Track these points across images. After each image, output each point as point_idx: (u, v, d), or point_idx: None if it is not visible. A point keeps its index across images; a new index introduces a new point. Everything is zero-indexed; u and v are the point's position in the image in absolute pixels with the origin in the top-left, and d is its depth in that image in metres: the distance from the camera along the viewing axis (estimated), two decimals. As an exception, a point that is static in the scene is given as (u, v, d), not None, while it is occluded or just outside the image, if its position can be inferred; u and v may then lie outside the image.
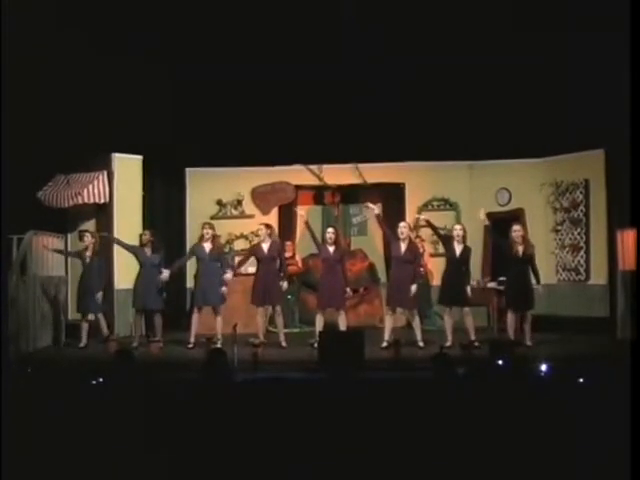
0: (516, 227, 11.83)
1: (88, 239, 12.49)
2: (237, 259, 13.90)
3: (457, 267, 11.81)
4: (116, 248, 13.05)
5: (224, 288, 12.11)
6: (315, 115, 13.67)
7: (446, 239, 12.23)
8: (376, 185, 15.31)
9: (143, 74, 12.93)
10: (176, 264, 12.54)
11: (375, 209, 12.46)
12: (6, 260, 11.71)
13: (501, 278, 12.50)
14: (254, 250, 12.51)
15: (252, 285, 12.23)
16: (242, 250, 14.31)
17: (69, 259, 13.52)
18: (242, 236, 15.01)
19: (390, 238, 12.18)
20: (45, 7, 11.69)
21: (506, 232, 11.80)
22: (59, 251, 13.18)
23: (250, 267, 13.28)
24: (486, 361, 7.57)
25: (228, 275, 12.10)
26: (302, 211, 13.31)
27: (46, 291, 12.78)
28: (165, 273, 12.08)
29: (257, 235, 12.56)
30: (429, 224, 12.67)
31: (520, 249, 11.62)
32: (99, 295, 12.32)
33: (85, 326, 12.39)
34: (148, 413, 5.78)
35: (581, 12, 11.70)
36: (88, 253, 12.43)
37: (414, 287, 11.75)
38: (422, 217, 13.37)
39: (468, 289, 11.80)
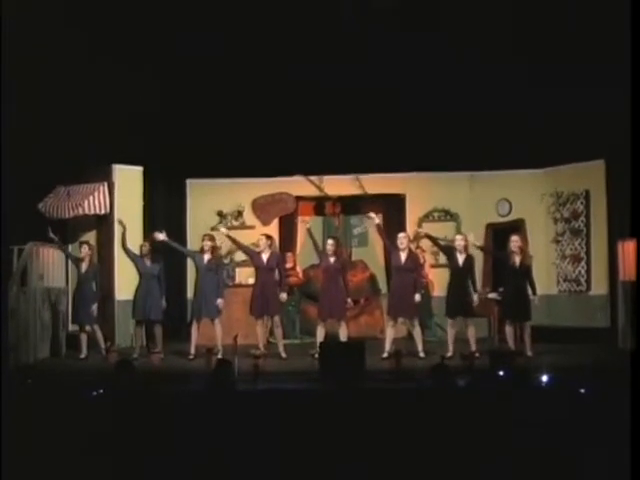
0: (514, 237, 11.79)
1: (85, 250, 12.47)
2: (237, 270, 13.89)
3: (461, 277, 11.79)
4: (117, 259, 13.06)
5: (220, 300, 12.10)
6: (315, 126, 13.68)
7: (448, 250, 12.20)
8: (377, 196, 15.30)
9: (144, 85, 12.95)
10: (176, 244, 12.56)
11: (376, 219, 12.38)
12: (6, 271, 11.69)
13: (501, 289, 12.47)
14: (253, 256, 12.47)
15: (250, 296, 12.22)
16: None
17: (69, 270, 13.50)
18: (242, 247, 14.98)
19: (390, 248, 12.17)
20: (45, 17, 11.71)
21: (506, 243, 11.79)
22: (61, 248, 13.07)
23: (250, 278, 13.27)
24: (487, 372, 7.56)
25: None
26: (305, 219, 13.19)
27: (46, 302, 12.75)
28: (163, 234, 12.10)
29: (257, 246, 12.54)
30: (429, 237, 12.62)
31: (517, 260, 11.60)
32: (94, 307, 12.30)
33: (84, 337, 12.36)
34: (149, 424, 5.77)
35: (581, 24, 11.72)
36: (84, 264, 12.42)
37: (418, 296, 11.74)
38: (422, 231, 13.29)
39: (475, 298, 11.79)
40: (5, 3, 10.67)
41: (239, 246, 12.80)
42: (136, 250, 12.41)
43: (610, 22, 10.73)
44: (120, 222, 12.57)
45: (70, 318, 12.86)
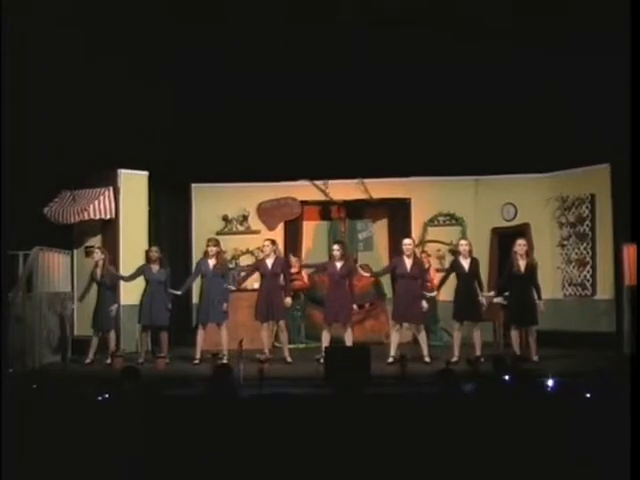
0: (520, 241, 11.80)
1: (98, 255, 12.44)
2: (242, 274, 13.89)
3: (467, 281, 11.78)
4: (122, 264, 13.06)
5: (226, 304, 12.11)
6: (320, 131, 13.70)
7: (452, 266, 12.15)
8: (382, 200, 15.32)
9: (149, 90, 12.98)
10: (186, 284, 12.59)
11: (361, 272, 12.75)
12: (10, 276, 11.68)
13: (507, 293, 12.45)
14: (258, 265, 12.53)
15: (255, 301, 12.24)
16: (247, 266, 14.26)
17: (75, 275, 13.52)
18: (248, 252, 15.00)
19: (394, 262, 12.16)
20: (54, 20, 11.75)
21: (512, 247, 11.78)
22: (69, 296, 13.23)
23: (255, 283, 13.29)
24: (492, 377, 7.55)
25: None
26: (293, 259, 13.21)
27: (52, 307, 12.75)
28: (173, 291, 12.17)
29: (262, 251, 12.56)
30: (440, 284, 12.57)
31: (523, 264, 11.59)
32: (113, 307, 12.30)
33: (95, 342, 12.30)
34: (154, 428, 5.77)
35: (583, 30, 11.73)
36: (98, 270, 12.37)
37: (425, 304, 11.73)
38: (429, 295, 12.85)
39: (483, 301, 11.78)
40: (6, 5, 10.68)
41: (243, 269, 12.99)
42: (141, 256, 12.41)
43: (610, 23, 10.73)
44: (116, 275, 12.59)
45: (92, 323, 12.61)
